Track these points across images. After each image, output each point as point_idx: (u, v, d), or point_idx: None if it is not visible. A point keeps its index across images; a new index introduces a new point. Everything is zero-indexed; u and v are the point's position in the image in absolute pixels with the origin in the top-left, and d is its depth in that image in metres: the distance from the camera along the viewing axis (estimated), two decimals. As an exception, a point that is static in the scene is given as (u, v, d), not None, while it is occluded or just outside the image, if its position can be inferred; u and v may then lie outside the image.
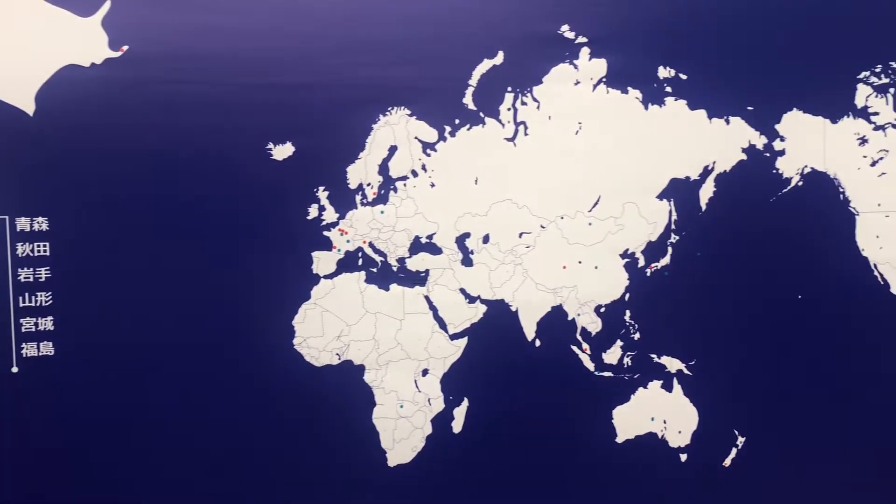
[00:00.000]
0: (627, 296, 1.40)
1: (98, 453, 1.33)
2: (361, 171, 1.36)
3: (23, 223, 1.30)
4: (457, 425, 1.40)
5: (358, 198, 1.37)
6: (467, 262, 1.39)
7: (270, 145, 1.34)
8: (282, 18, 1.33)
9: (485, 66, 1.36)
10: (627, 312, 1.41)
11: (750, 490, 1.43)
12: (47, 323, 1.31)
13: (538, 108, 1.38)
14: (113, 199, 1.31)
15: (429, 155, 1.37)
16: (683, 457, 1.43)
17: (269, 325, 1.36)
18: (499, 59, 1.37)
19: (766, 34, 1.39)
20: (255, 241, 1.34)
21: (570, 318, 1.40)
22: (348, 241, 1.37)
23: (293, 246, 1.36)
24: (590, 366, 1.41)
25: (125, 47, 1.30)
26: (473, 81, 1.37)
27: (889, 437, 1.43)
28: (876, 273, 1.42)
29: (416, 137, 1.36)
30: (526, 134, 1.38)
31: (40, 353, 1.31)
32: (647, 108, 1.39)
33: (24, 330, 1.30)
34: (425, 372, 1.39)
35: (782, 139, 1.40)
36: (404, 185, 1.37)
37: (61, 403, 1.32)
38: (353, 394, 1.38)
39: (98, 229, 1.31)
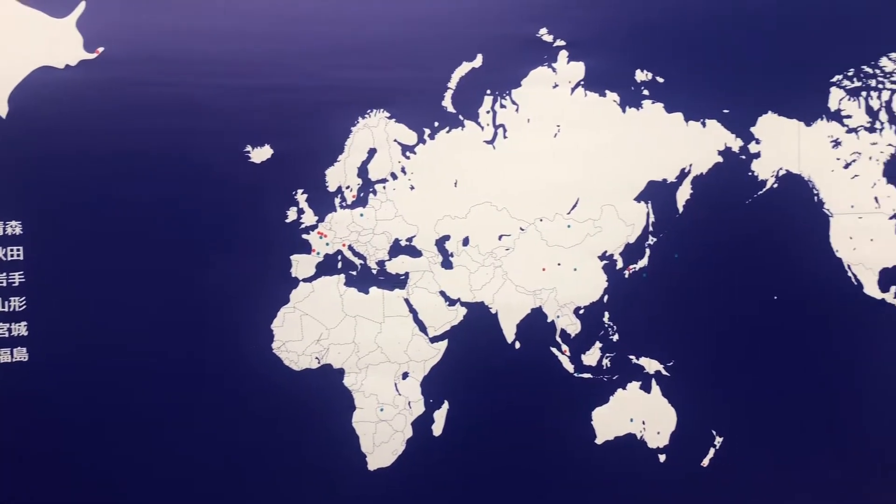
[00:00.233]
0: (606, 297, 1.41)
1: (73, 459, 1.31)
2: (340, 174, 1.36)
3: (-5, 227, 1.28)
4: (437, 428, 1.40)
5: (337, 200, 1.36)
6: (447, 264, 1.39)
7: (248, 148, 1.33)
8: (259, 21, 1.33)
9: (464, 68, 1.37)
10: (606, 314, 1.41)
11: (728, 489, 1.44)
12: (21, 328, 1.29)
13: (517, 110, 1.38)
14: (88, 202, 1.30)
15: (408, 157, 1.37)
16: (662, 457, 1.43)
17: (248, 329, 1.35)
18: (478, 61, 1.37)
19: (742, 38, 1.41)
20: (233, 244, 1.33)
21: (549, 320, 1.40)
22: (327, 244, 1.36)
23: (271, 249, 1.35)
24: (569, 367, 1.41)
25: (100, 49, 1.29)
26: (452, 84, 1.37)
27: (864, 434, 1.45)
28: (850, 274, 1.44)
29: (395, 140, 1.36)
30: (505, 137, 1.38)
31: (14, 359, 1.29)
32: (624, 111, 1.40)
33: (-3, 335, 1.28)
34: (405, 375, 1.39)
35: (758, 142, 1.42)
36: (384, 187, 1.37)
37: (36, 410, 1.30)
38: (333, 398, 1.38)
39: (73, 233, 1.30)
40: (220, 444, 1.35)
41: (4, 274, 1.28)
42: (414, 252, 1.38)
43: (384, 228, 1.37)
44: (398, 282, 1.38)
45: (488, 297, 1.39)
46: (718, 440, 1.44)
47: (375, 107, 1.35)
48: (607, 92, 1.40)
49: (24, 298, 1.29)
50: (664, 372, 1.43)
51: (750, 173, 1.42)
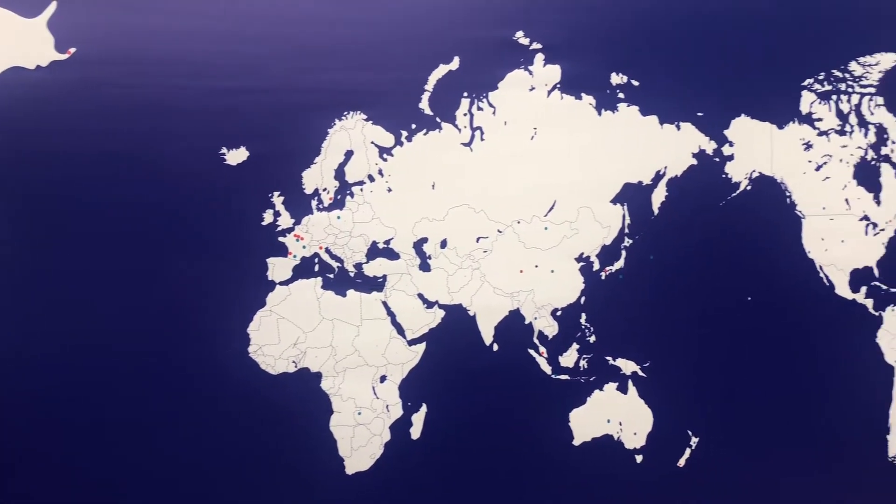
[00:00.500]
0: (583, 299, 1.42)
1: (45, 463, 1.29)
2: (317, 176, 1.35)
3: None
4: (415, 431, 1.39)
5: (314, 203, 1.35)
6: (425, 267, 1.39)
7: (224, 150, 1.32)
8: (235, 22, 1.32)
9: (440, 71, 1.37)
10: (583, 315, 1.42)
11: (704, 489, 1.45)
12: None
13: (494, 113, 1.39)
14: (60, 204, 1.28)
15: (385, 160, 1.37)
16: (639, 458, 1.44)
17: (224, 332, 1.33)
18: (454, 64, 1.37)
19: (715, 42, 1.43)
20: (209, 247, 1.32)
21: (527, 321, 1.41)
22: (304, 247, 1.36)
23: (247, 252, 1.34)
24: (547, 369, 1.42)
25: (72, 49, 1.27)
26: (430, 86, 1.37)
27: (837, 433, 1.47)
28: (822, 275, 1.46)
29: (372, 142, 1.36)
30: (482, 139, 1.39)
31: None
32: (600, 113, 1.41)
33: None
34: (383, 378, 1.39)
35: (731, 144, 1.44)
36: (361, 190, 1.36)
37: (4, 412, 1.28)
38: (310, 402, 1.37)
39: (43, 235, 1.28)
40: (197, 449, 1.33)
41: (-27, 278, 1.26)
42: (392, 254, 1.38)
43: (361, 231, 1.37)
44: (376, 284, 1.38)
45: (466, 299, 1.39)
46: (694, 440, 1.45)
47: (352, 109, 1.35)
48: (583, 95, 1.41)
49: (-7, 303, 1.27)
50: (640, 373, 1.44)
51: (724, 175, 1.44)
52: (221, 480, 1.34)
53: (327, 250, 1.36)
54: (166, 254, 1.31)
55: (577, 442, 1.42)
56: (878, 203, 1.46)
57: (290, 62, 1.33)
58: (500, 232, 1.40)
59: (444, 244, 1.39)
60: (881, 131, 1.45)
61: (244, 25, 1.32)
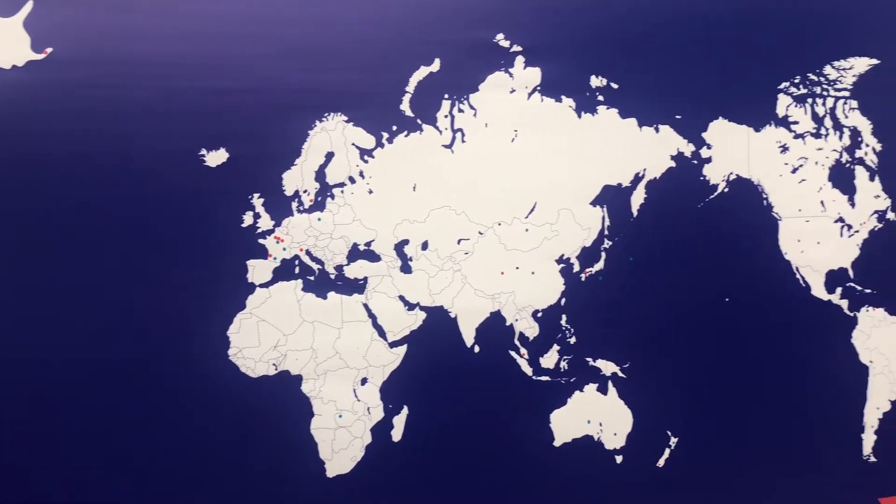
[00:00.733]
0: (563, 301, 1.42)
1: (14, 473, 1.27)
2: (298, 178, 1.34)
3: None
4: (396, 434, 1.39)
5: (294, 205, 1.35)
6: (406, 269, 1.38)
7: (203, 151, 1.31)
8: (215, 23, 1.31)
9: (422, 73, 1.37)
10: (564, 317, 1.43)
11: (684, 489, 1.46)
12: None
13: (475, 115, 1.39)
14: (37, 206, 1.26)
15: (366, 161, 1.36)
16: (619, 458, 1.45)
17: (203, 335, 1.32)
18: (435, 66, 1.37)
19: (694, 46, 1.44)
20: (188, 249, 1.31)
21: (508, 323, 1.41)
22: (284, 249, 1.35)
23: (227, 254, 1.33)
24: (527, 370, 1.42)
25: (49, 49, 1.26)
26: (410, 88, 1.37)
27: (815, 433, 1.49)
28: (798, 276, 1.47)
29: (353, 144, 1.36)
30: (463, 141, 1.39)
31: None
32: (580, 116, 1.42)
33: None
34: (364, 381, 1.38)
35: (709, 147, 1.45)
36: (342, 191, 1.36)
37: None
38: (291, 405, 1.36)
39: (17, 238, 1.26)
40: (176, 454, 1.32)
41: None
42: (372, 256, 1.38)
43: (342, 233, 1.36)
44: (357, 286, 1.37)
45: (447, 301, 1.39)
46: (674, 441, 1.46)
47: (333, 110, 1.35)
48: (563, 97, 1.41)
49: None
50: (620, 374, 1.44)
51: (702, 178, 1.45)
52: (201, 485, 1.33)
53: (308, 252, 1.36)
54: (145, 256, 1.30)
55: (557, 443, 1.43)
56: (853, 205, 1.48)
57: (270, 63, 1.33)
58: (481, 234, 1.40)
59: (425, 246, 1.39)
60: (855, 134, 1.48)
61: (224, 26, 1.31)
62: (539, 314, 1.42)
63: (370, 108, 1.36)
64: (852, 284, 1.48)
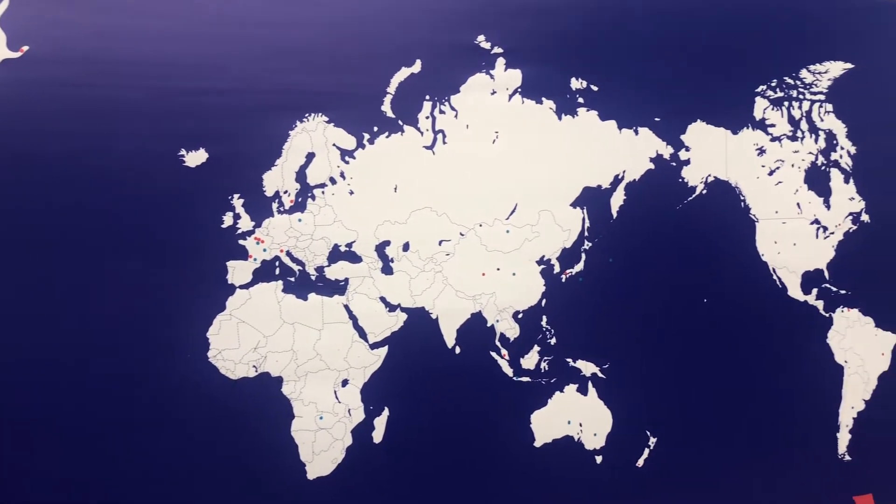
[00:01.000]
0: (544, 302, 1.43)
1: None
2: (278, 179, 1.34)
3: None
4: (377, 435, 1.39)
5: (274, 205, 1.34)
6: (387, 270, 1.38)
7: (183, 151, 1.30)
8: (196, 22, 1.30)
9: (403, 73, 1.37)
10: (544, 318, 1.43)
11: (663, 489, 1.47)
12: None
13: (456, 116, 1.39)
14: (14, 206, 1.24)
15: (347, 162, 1.36)
16: (599, 458, 1.46)
17: (183, 337, 1.31)
18: (416, 67, 1.38)
19: (672, 50, 1.46)
20: (168, 250, 1.30)
21: (489, 324, 1.41)
22: (265, 250, 1.34)
23: (207, 255, 1.32)
24: (508, 371, 1.42)
25: (25, 47, 1.24)
26: (391, 89, 1.37)
27: (791, 433, 1.51)
28: (775, 277, 1.49)
29: (334, 144, 1.35)
30: (444, 142, 1.39)
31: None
32: (560, 118, 1.43)
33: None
34: (345, 382, 1.38)
35: (687, 149, 1.46)
36: (322, 192, 1.36)
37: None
38: (271, 406, 1.35)
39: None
40: (156, 456, 1.31)
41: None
42: (353, 258, 1.37)
43: (323, 234, 1.36)
44: (337, 288, 1.37)
45: (429, 302, 1.39)
46: (652, 441, 1.47)
47: (314, 111, 1.34)
48: (544, 99, 1.42)
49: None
50: (600, 374, 1.45)
51: (680, 180, 1.47)
52: (181, 487, 1.32)
53: (288, 253, 1.35)
54: (124, 257, 1.28)
55: (538, 443, 1.43)
56: (828, 207, 1.50)
57: (250, 63, 1.32)
58: (462, 235, 1.40)
59: (406, 247, 1.39)
60: (830, 137, 1.50)
61: (204, 26, 1.30)
62: (520, 315, 1.42)
63: (351, 108, 1.36)
64: (828, 285, 1.50)
